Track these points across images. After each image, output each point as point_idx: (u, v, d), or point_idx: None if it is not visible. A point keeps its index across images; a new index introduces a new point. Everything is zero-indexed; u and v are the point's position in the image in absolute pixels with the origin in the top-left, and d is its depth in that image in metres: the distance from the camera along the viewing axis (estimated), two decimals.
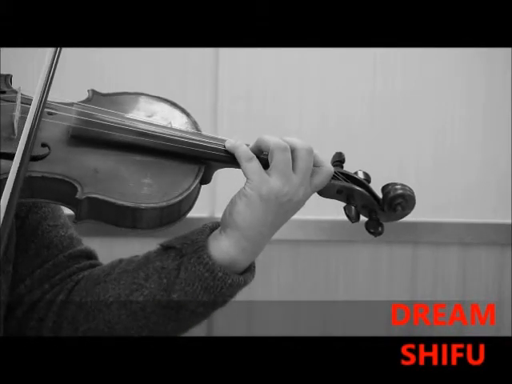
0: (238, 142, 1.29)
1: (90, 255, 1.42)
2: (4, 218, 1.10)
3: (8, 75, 1.34)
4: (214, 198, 2.50)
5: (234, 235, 1.27)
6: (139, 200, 1.23)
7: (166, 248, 1.30)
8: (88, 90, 1.35)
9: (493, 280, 2.76)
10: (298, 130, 2.59)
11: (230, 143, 1.29)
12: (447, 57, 2.65)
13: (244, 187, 1.26)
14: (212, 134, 1.31)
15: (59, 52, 1.25)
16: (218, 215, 1.29)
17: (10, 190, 1.12)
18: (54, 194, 1.23)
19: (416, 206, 1.33)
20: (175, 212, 1.26)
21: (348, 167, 1.35)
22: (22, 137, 1.18)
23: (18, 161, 1.15)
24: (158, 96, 1.38)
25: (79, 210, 1.22)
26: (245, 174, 1.27)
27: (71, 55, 2.48)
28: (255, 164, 1.26)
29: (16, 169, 1.14)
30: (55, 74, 1.23)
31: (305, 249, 2.69)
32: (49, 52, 1.24)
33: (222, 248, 1.27)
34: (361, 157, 2.61)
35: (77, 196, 1.21)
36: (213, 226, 1.31)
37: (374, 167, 2.62)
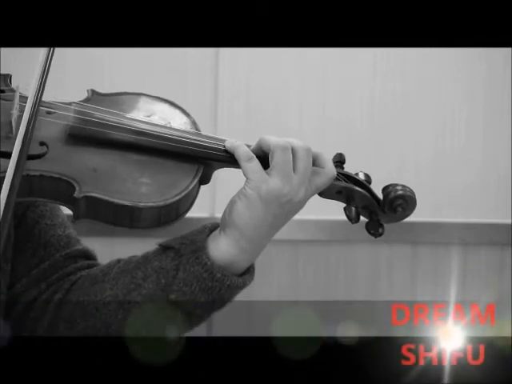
0: (238, 142, 1.28)
1: (88, 255, 1.41)
2: (3, 215, 1.10)
3: (7, 75, 1.34)
4: (214, 197, 2.49)
5: (233, 235, 1.26)
6: (137, 199, 1.23)
7: (164, 248, 1.30)
8: (87, 90, 1.35)
9: (493, 280, 2.76)
10: (298, 129, 2.59)
11: (229, 143, 1.28)
12: (447, 57, 2.65)
13: (244, 187, 1.25)
14: (212, 133, 1.31)
15: (53, 51, 1.25)
16: (218, 215, 1.29)
17: (8, 188, 1.12)
18: (52, 192, 1.23)
19: (416, 205, 1.33)
20: (173, 211, 1.26)
21: (348, 167, 1.35)
22: (18, 134, 1.18)
23: (16, 158, 1.16)
24: (158, 96, 1.38)
25: (77, 208, 1.22)
26: (244, 173, 1.26)
27: (71, 55, 2.48)
28: (255, 164, 1.26)
29: (14, 166, 1.15)
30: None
31: (305, 249, 2.69)
32: (43, 51, 1.25)
33: (220, 248, 1.26)
34: (361, 157, 2.61)
35: (75, 195, 1.21)
36: (212, 227, 1.30)
37: (374, 167, 2.64)
